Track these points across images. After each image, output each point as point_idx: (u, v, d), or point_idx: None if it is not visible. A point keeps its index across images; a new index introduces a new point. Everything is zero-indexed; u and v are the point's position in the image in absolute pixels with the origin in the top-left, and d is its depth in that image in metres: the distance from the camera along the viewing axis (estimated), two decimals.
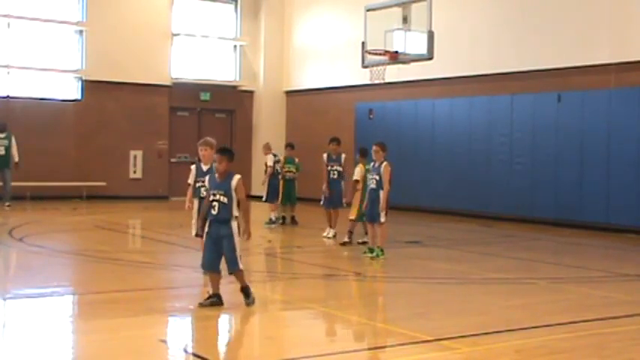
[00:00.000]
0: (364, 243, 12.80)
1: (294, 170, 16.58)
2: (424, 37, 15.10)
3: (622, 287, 10.24)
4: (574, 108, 16.89)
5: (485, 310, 8.46)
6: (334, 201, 14.55)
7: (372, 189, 11.90)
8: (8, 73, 21.18)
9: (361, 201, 12.73)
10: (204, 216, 8.16)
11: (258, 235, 15.10)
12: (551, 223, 17.09)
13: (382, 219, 11.82)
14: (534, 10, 17.80)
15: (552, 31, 17.32)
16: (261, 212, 17.44)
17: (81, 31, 22.12)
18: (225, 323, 7.82)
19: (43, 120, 21.41)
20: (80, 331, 7.31)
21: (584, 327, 7.60)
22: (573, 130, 16.89)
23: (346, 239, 13.31)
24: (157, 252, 13.15)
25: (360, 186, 13.01)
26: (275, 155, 16.76)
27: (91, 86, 22.04)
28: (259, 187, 17.97)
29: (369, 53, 16.07)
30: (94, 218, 17.82)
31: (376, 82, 16.50)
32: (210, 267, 8.08)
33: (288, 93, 24.79)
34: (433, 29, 15.00)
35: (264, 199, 16.61)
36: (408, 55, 15.70)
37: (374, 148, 12.02)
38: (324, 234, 14.43)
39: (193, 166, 9.83)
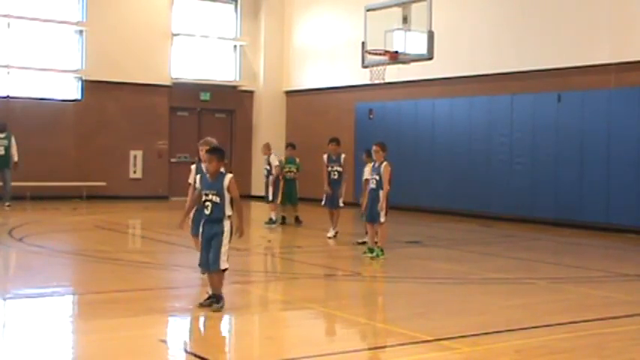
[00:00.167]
0: (364, 243, 12.80)
1: (294, 170, 16.58)
2: (424, 37, 15.11)
3: (622, 287, 10.24)
4: (574, 108, 16.90)
5: (486, 310, 8.46)
6: (335, 201, 14.57)
7: (372, 189, 11.91)
8: (8, 73, 21.18)
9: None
10: (188, 212, 8.41)
11: (258, 235, 15.14)
12: (551, 223, 17.09)
13: (382, 219, 11.83)
14: (534, 10, 17.80)
15: (552, 31, 17.32)
16: (262, 212, 17.44)
17: (81, 31, 22.12)
18: (225, 323, 7.82)
19: (43, 120, 21.41)
20: (80, 331, 7.31)
21: (584, 327, 7.60)
22: (573, 130, 16.89)
23: (366, 239, 13.37)
24: (156, 252, 13.15)
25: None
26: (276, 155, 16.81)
27: (91, 86, 22.04)
28: (260, 187, 17.95)
29: (369, 53, 16.07)
30: (94, 218, 17.82)
31: (376, 82, 16.50)
32: (207, 267, 8.06)
33: (288, 93, 24.79)
34: (433, 29, 15.01)
35: (271, 199, 16.54)
36: (408, 55, 15.70)
37: (374, 148, 12.03)
38: (331, 234, 14.48)
39: (193, 166, 9.79)
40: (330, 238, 14.33)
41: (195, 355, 6.46)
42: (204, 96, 24.04)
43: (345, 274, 11.20)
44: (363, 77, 18.05)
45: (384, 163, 11.88)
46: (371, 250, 11.96)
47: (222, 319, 7.77)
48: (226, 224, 7.92)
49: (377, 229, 11.95)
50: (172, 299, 8.93)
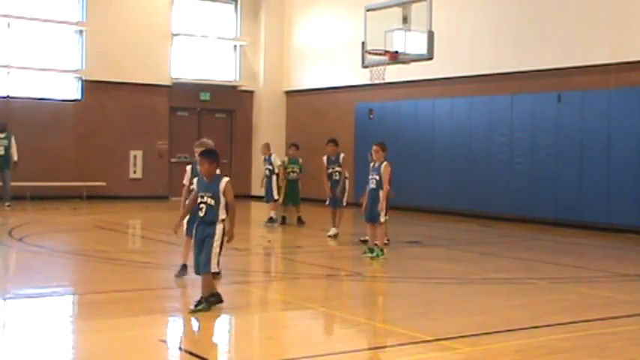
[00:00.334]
0: (366, 241, 12.80)
1: (297, 170, 16.60)
2: (424, 37, 15.11)
3: (622, 287, 10.24)
4: (574, 108, 16.89)
5: (485, 310, 8.46)
6: (337, 201, 14.60)
7: (372, 189, 11.91)
8: (8, 73, 21.18)
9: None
10: (185, 215, 8.44)
11: (258, 235, 15.15)
12: (551, 223, 17.09)
13: (382, 219, 11.83)
14: (534, 10, 17.80)
15: (552, 31, 17.32)
16: (262, 212, 17.43)
17: (81, 31, 22.12)
18: (225, 323, 7.82)
19: (43, 120, 21.41)
20: (80, 331, 7.31)
21: (584, 327, 7.60)
22: (573, 130, 16.89)
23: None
24: (156, 252, 13.14)
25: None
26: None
27: (91, 86, 22.04)
28: (260, 188, 17.95)
29: (369, 53, 16.07)
30: (94, 218, 17.82)
31: (376, 82, 16.50)
32: (198, 268, 8.03)
33: (288, 93, 24.79)
34: (433, 29, 15.01)
35: (276, 198, 16.55)
36: (408, 55, 15.70)
37: (374, 147, 12.01)
38: (331, 234, 14.52)
39: (189, 167, 9.69)
40: (330, 237, 14.35)
41: (195, 355, 6.45)
42: (204, 96, 24.04)
43: (345, 274, 11.19)
44: (363, 77, 18.05)
45: (384, 163, 11.88)
46: (371, 250, 11.96)
47: (222, 319, 7.77)
48: (219, 227, 7.86)
49: (377, 229, 11.95)
50: (172, 299, 8.94)
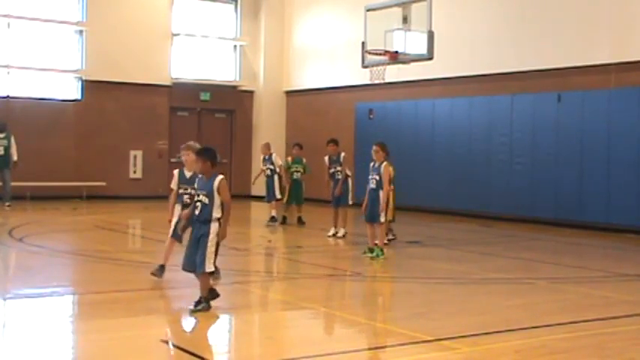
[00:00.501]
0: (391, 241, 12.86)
1: (301, 170, 16.61)
2: (424, 37, 15.10)
3: (622, 287, 10.24)
4: (574, 108, 16.89)
5: (485, 310, 8.46)
6: (341, 200, 14.61)
7: (372, 189, 11.90)
8: (8, 73, 21.18)
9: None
10: (188, 217, 8.20)
11: (258, 234, 15.15)
12: (551, 223, 17.09)
13: (382, 219, 11.84)
14: (534, 10, 17.80)
15: (552, 31, 17.32)
16: (262, 212, 17.43)
17: (81, 31, 22.12)
18: (225, 323, 7.82)
19: (43, 120, 21.40)
20: (80, 331, 7.32)
21: (584, 327, 7.60)
22: (573, 130, 16.89)
23: (390, 237, 13.47)
24: (157, 252, 13.05)
25: (391, 187, 12.80)
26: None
27: (90, 86, 22.04)
28: (260, 188, 17.95)
29: (369, 53, 16.07)
30: (94, 218, 17.82)
31: (376, 82, 16.50)
32: (186, 266, 8.00)
33: (288, 93, 24.79)
34: (433, 29, 15.01)
35: (279, 197, 16.58)
36: (408, 55, 15.70)
37: (374, 148, 12.00)
38: (330, 233, 14.52)
39: (176, 171, 9.46)
40: (330, 236, 14.37)
41: (195, 355, 6.45)
42: (204, 96, 24.03)
43: (346, 274, 11.19)
44: (363, 77, 18.05)
45: (384, 163, 11.88)
46: (371, 250, 11.96)
47: (222, 319, 7.77)
48: (213, 226, 7.82)
49: (377, 228, 11.95)
50: (172, 299, 8.94)
